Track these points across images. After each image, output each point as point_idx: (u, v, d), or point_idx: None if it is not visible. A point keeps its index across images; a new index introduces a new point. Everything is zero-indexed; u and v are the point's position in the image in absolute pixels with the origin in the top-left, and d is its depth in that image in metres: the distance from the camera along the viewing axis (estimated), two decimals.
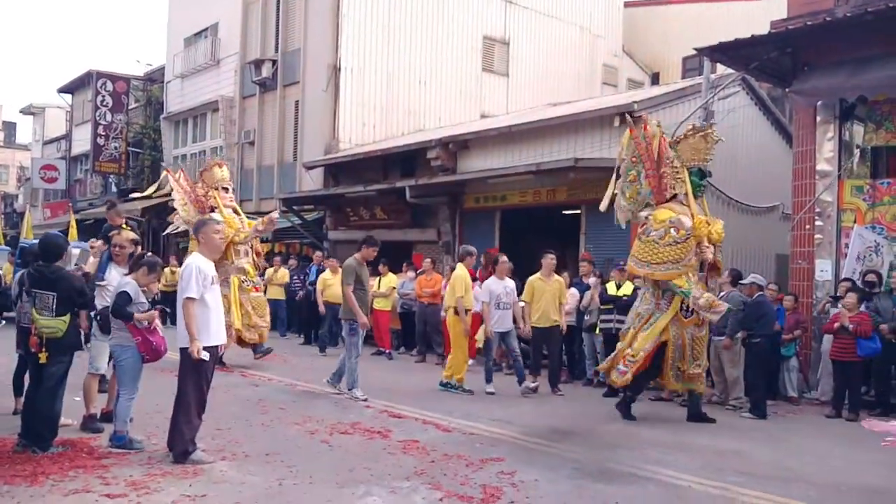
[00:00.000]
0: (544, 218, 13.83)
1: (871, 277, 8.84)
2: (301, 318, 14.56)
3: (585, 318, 9.89)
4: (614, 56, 22.45)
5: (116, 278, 6.06)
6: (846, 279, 9.06)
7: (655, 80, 21.98)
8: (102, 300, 6.20)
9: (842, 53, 9.45)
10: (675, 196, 7.76)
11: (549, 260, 9.21)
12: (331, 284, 12.11)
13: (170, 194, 11.06)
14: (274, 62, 19.62)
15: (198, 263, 5.26)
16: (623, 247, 11.75)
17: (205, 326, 5.21)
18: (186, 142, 23.66)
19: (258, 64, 19.71)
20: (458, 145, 14.64)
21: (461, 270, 9.07)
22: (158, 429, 5.80)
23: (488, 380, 8.98)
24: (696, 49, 10.57)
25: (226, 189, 10.39)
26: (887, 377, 8.47)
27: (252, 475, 5.01)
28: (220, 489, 4.69)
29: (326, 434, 6.33)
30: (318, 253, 15.39)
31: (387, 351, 12.20)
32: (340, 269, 11.96)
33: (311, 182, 17.97)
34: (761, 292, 8.83)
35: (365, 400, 7.88)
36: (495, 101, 20.28)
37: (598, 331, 9.65)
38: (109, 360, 6.01)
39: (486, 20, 20.16)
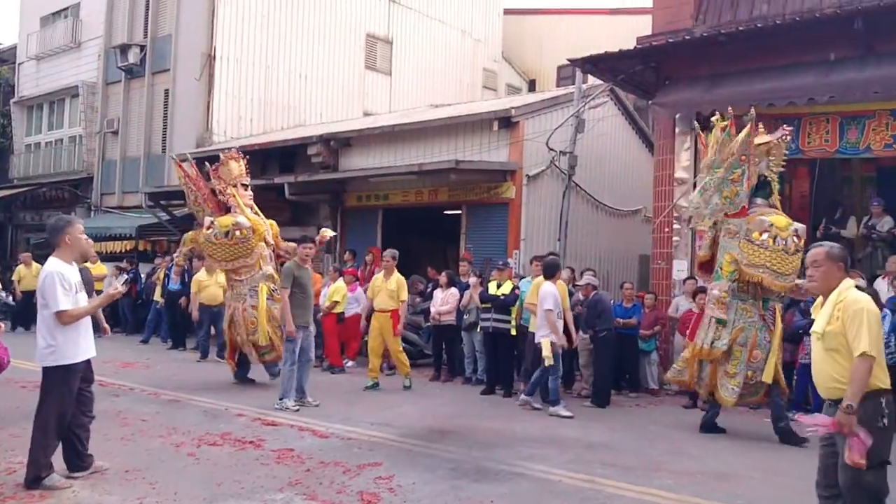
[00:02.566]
0: (426, 217, 13.96)
1: None
2: (169, 321, 13.54)
3: (465, 317, 10.06)
4: (494, 61, 22.98)
5: None
6: (690, 277, 9.82)
7: (532, 86, 22.72)
8: None
9: (699, 70, 10.19)
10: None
11: (535, 266, 9.09)
12: (207, 286, 11.57)
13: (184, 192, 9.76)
14: (142, 48, 18.54)
15: (59, 270, 4.73)
16: (501, 247, 12.12)
17: (73, 341, 4.76)
18: (41, 129, 21.95)
19: (124, 49, 18.56)
20: (340, 143, 14.47)
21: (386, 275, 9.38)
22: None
23: (556, 401, 8.12)
24: (569, 60, 11.05)
25: (245, 186, 9.44)
26: None
27: (109, 494, 4.68)
28: None
29: (193, 446, 6.01)
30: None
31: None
32: (218, 270, 11.58)
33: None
34: (596, 291, 9.30)
35: (297, 410, 7.48)
36: (378, 100, 20.21)
37: (478, 329, 9.82)
38: None
39: (370, 18, 20.05)
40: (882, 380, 3.58)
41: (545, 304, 8.10)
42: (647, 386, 9.87)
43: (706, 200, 7.34)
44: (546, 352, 7.97)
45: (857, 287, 3.79)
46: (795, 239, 7.07)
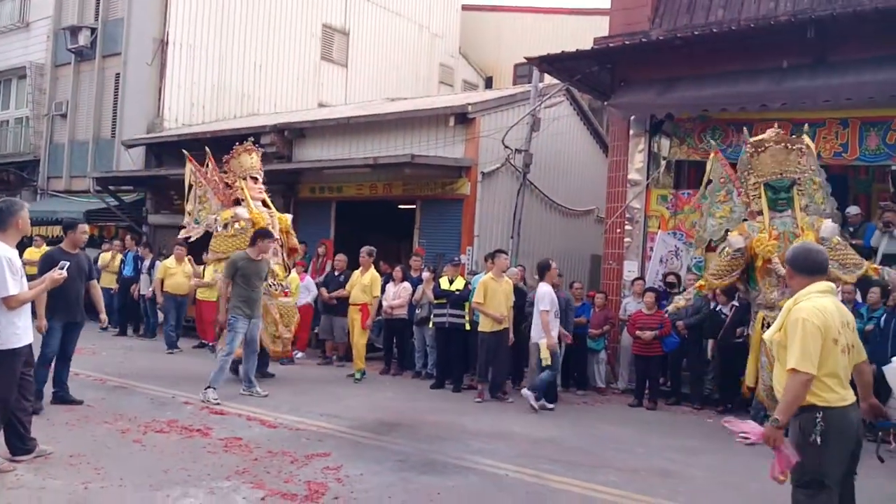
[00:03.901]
0: (380, 211, 13.90)
1: (671, 279, 9.83)
2: (117, 307, 13.16)
3: (417, 311, 10.06)
4: (451, 57, 22.99)
5: None
6: (639, 278, 10.04)
7: (489, 83, 22.81)
8: None
9: (654, 73, 10.35)
10: (759, 212, 7.52)
11: (504, 259, 8.93)
12: (173, 273, 11.32)
13: (189, 186, 9.47)
14: (93, 30, 17.96)
15: (7, 255, 4.66)
16: (454, 243, 12.15)
17: (16, 325, 4.68)
18: None
19: (74, 31, 17.95)
20: (294, 133, 14.29)
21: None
22: None
23: (535, 389, 8.25)
24: (526, 58, 11.12)
25: (255, 179, 9.24)
26: (679, 369, 9.45)
27: (53, 479, 4.59)
28: (16, 496, 4.25)
29: (140, 433, 5.94)
30: (128, 238, 14.10)
31: (210, 343, 11.65)
32: (187, 259, 11.37)
33: (131, 161, 16.72)
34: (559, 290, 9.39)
35: (217, 404, 7.22)
36: (333, 91, 20.02)
37: (430, 324, 9.83)
38: None
39: (327, 8, 19.82)
40: (821, 396, 3.33)
41: (541, 304, 8.21)
42: (594, 384, 10.02)
43: (702, 225, 8.07)
44: (543, 353, 8.13)
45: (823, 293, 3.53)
46: (727, 249, 7.51)
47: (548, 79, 12.76)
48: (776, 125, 7.83)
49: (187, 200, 9.60)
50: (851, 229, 9.28)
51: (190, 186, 9.55)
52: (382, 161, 12.04)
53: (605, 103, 11.27)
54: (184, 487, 4.61)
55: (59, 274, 5.07)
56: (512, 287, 8.87)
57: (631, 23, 10.74)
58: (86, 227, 6.98)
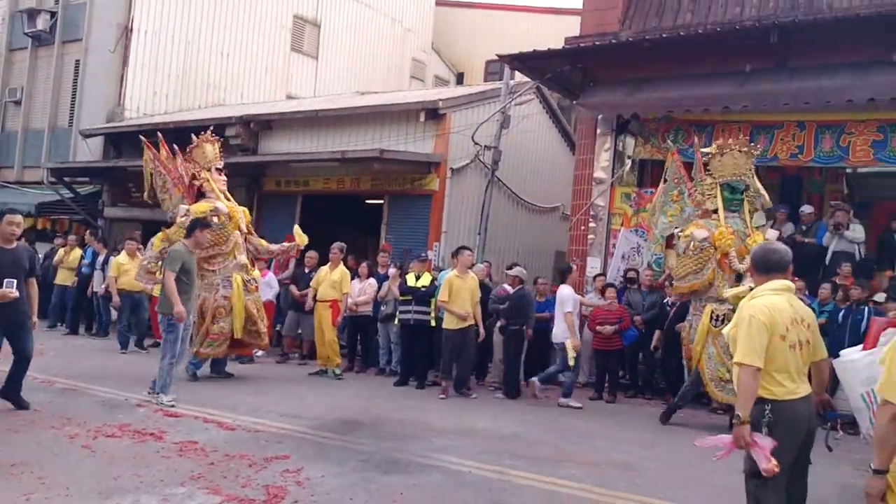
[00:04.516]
0: (347, 206, 13.76)
1: (632, 275, 9.94)
2: (71, 305, 12.59)
3: (382, 308, 9.97)
4: (423, 52, 22.86)
5: None
6: (601, 274, 10.16)
7: (460, 79, 22.75)
8: None
9: (623, 73, 10.44)
10: (714, 210, 7.84)
11: (467, 256, 8.89)
12: (127, 270, 10.90)
13: (150, 174, 9.11)
14: (52, 14, 17.47)
15: None
16: (422, 239, 12.09)
17: None
18: None
19: (32, 14, 17.43)
20: (260, 125, 14.08)
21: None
22: None
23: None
24: (498, 55, 11.10)
25: (219, 170, 8.91)
26: (637, 362, 9.64)
27: None
28: None
29: (89, 438, 5.66)
30: (89, 232, 13.62)
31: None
32: (139, 255, 10.98)
33: (89, 152, 16.27)
34: (523, 286, 9.39)
35: (172, 406, 6.94)
36: (303, 83, 19.76)
37: (395, 321, 9.73)
38: None
39: None
40: (769, 390, 3.41)
41: (565, 307, 8.44)
42: (556, 379, 10.05)
43: (655, 223, 8.40)
44: (570, 353, 8.38)
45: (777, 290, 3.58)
46: (692, 243, 7.73)
47: (518, 76, 12.76)
48: (739, 132, 8.12)
49: (148, 189, 9.26)
50: (804, 227, 9.58)
51: (150, 175, 9.25)
52: (351, 155, 11.92)
53: (575, 102, 11.33)
54: (135, 495, 4.44)
55: (10, 294, 4.73)
56: (477, 283, 8.87)
57: (601, 24, 10.83)
58: (15, 217, 6.41)
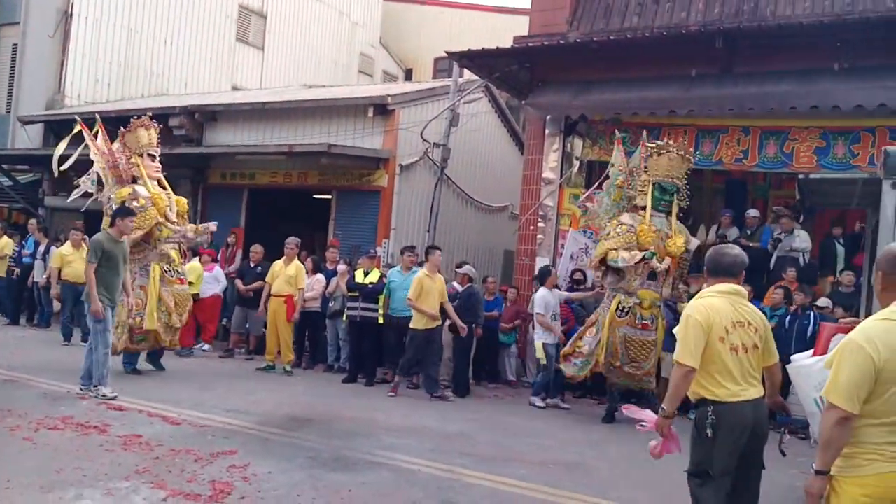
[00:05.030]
0: (295, 201, 13.62)
1: (578, 276, 10.09)
2: (9, 295, 12.26)
3: (330, 304, 9.92)
4: (371, 46, 22.75)
5: None
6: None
7: (409, 75, 22.72)
8: None
9: (571, 74, 10.59)
10: (643, 207, 8.07)
11: (438, 256, 8.82)
12: (71, 261, 10.58)
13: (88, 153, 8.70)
14: None
15: None
16: (371, 235, 12.06)
17: None
18: None
19: None
20: (205, 116, 13.80)
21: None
22: None
23: (537, 392, 8.79)
24: (447, 52, 11.12)
25: (152, 156, 8.58)
26: None
27: None
28: None
29: (31, 430, 5.55)
30: (33, 222, 13.30)
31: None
32: (84, 245, 10.66)
33: (28, 139, 15.69)
34: (472, 284, 9.51)
35: (114, 398, 6.80)
36: (248, 75, 19.43)
37: (343, 317, 9.71)
38: None
39: None
40: (711, 391, 3.47)
41: (536, 308, 8.73)
42: (506, 378, 10.20)
43: (600, 202, 8.61)
44: (539, 353, 8.58)
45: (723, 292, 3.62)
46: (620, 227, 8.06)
47: (467, 74, 12.83)
48: (685, 135, 8.36)
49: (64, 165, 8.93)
50: (749, 231, 9.85)
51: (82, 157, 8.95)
52: (298, 149, 11.80)
53: (523, 102, 11.43)
54: (78, 488, 4.36)
55: None
56: (444, 284, 8.85)
57: (549, 24, 10.95)
58: None
